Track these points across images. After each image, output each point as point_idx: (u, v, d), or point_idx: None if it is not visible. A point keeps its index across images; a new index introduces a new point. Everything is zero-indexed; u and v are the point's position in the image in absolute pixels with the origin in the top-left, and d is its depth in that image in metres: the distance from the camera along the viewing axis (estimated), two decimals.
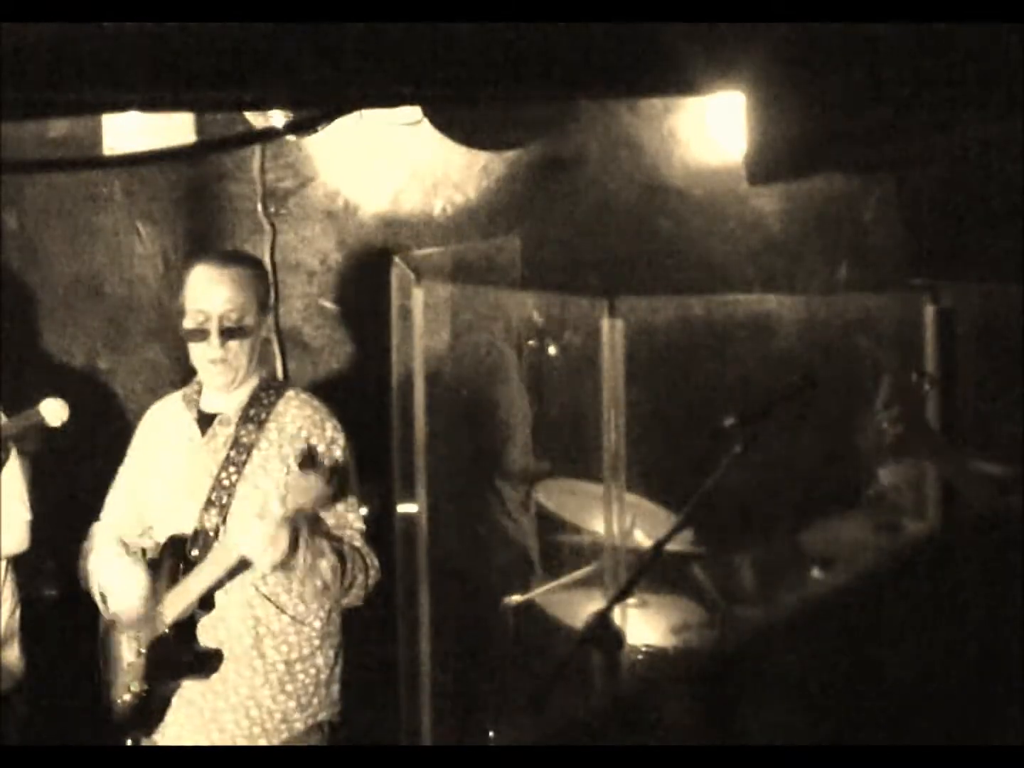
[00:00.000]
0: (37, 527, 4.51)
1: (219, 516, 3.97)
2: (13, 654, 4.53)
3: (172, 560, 4.00)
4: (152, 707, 4.04)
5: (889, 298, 4.80)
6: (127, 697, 4.05)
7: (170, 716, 4.04)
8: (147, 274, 5.50)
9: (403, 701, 5.11)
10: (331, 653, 4.08)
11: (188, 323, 4.01)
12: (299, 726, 4.04)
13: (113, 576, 4.06)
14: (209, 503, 3.98)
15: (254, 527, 3.77)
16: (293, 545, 3.81)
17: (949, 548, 1.48)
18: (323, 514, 3.95)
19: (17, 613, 4.54)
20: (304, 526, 3.85)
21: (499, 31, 2.12)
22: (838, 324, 5.06)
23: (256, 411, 4.03)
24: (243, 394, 4.06)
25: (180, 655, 3.98)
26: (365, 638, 4.37)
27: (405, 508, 5.11)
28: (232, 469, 3.99)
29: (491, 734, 4.52)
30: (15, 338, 5.33)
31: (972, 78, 2.13)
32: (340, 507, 3.99)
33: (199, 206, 5.53)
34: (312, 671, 4.04)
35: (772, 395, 3.85)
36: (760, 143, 2.24)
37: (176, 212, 5.50)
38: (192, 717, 4.02)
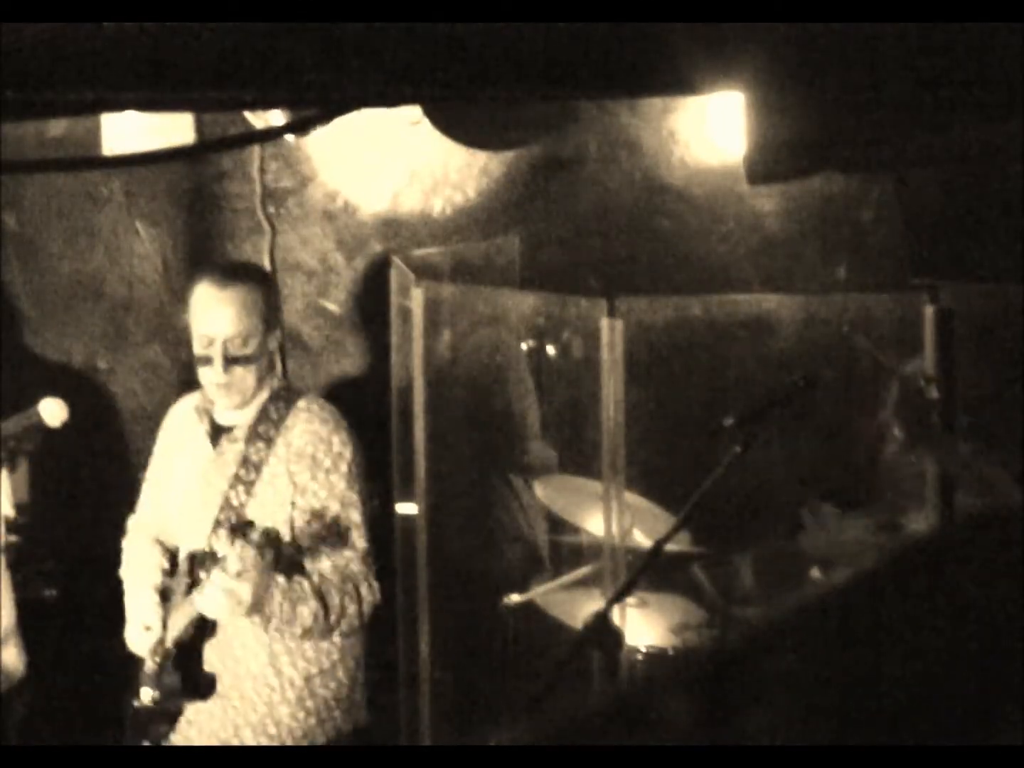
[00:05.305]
0: (37, 527, 4.50)
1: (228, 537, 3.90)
2: (12, 654, 4.51)
3: (187, 578, 3.93)
4: (164, 717, 3.97)
5: (889, 298, 4.80)
6: (144, 701, 4.00)
7: (190, 728, 3.98)
8: (147, 274, 5.50)
9: (403, 701, 5.11)
10: (352, 664, 3.99)
11: (195, 347, 3.92)
12: (321, 740, 3.93)
13: (134, 612, 3.99)
14: (218, 523, 3.88)
15: (208, 588, 3.66)
16: (262, 599, 3.69)
17: (949, 548, 1.48)
18: (325, 532, 3.83)
19: (15, 612, 4.52)
20: (276, 576, 3.74)
21: (499, 31, 2.12)
22: (838, 324, 5.07)
23: (265, 427, 3.91)
24: (253, 408, 3.95)
25: (179, 676, 3.92)
26: (365, 638, 4.36)
27: (405, 508, 5.10)
28: (241, 488, 3.88)
29: (491, 734, 4.51)
30: (15, 338, 5.33)
31: (972, 78, 2.13)
32: (344, 525, 3.86)
33: (199, 206, 5.53)
34: (332, 685, 3.95)
35: (772, 395, 3.85)
36: (760, 143, 2.24)
37: (176, 212, 5.50)
38: (211, 735, 3.95)
